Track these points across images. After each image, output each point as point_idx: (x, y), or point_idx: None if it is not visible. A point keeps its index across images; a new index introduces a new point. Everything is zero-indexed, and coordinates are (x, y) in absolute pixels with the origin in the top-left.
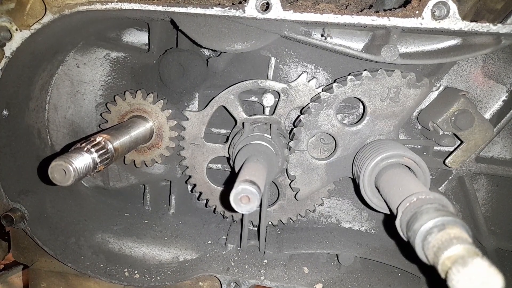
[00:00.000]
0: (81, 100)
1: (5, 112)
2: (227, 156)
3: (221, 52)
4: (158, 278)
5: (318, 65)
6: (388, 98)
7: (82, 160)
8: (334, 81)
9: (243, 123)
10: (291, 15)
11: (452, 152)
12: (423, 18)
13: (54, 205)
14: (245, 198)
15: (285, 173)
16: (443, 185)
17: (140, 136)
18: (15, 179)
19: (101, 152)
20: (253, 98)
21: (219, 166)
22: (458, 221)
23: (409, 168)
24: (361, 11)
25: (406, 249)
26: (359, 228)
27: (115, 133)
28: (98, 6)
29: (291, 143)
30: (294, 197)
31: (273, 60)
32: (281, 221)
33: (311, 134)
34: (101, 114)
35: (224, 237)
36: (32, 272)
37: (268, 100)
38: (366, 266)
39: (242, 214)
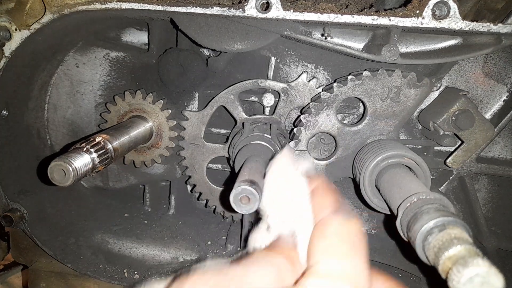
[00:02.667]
0: (80, 100)
1: (4, 112)
2: (227, 156)
3: (221, 52)
4: (158, 278)
5: (318, 65)
6: (388, 98)
7: (82, 160)
8: (335, 81)
9: (243, 123)
10: (291, 15)
11: (452, 152)
12: (423, 18)
13: (53, 205)
14: (245, 199)
15: None
16: (444, 185)
17: (140, 136)
18: (14, 179)
19: (100, 152)
20: (253, 98)
21: (219, 166)
22: (458, 221)
23: (409, 168)
24: (361, 10)
25: (407, 249)
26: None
27: (114, 133)
28: (98, 6)
29: (291, 143)
30: None
31: (273, 59)
32: None
33: (311, 134)
34: (100, 114)
35: (224, 237)
36: (32, 272)
37: (268, 100)
38: None
39: (242, 215)
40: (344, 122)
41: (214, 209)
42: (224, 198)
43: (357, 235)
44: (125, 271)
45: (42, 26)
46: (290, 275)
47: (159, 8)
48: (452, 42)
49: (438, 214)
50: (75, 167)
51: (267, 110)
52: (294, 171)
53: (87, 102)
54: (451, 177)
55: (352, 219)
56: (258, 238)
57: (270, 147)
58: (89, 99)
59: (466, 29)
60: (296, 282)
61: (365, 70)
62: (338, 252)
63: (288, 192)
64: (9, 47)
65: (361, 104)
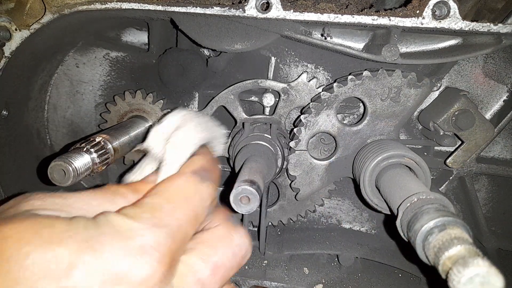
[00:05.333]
0: (80, 100)
1: (4, 112)
2: (227, 156)
3: (221, 52)
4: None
5: (318, 65)
6: (388, 98)
7: (82, 160)
8: (335, 81)
9: (243, 123)
10: (291, 15)
11: (453, 152)
12: (423, 18)
13: None
14: (245, 199)
15: (285, 173)
16: (444, 185)
17: (140, 136)
18: (14, 180)
19: (100, 152)
20: (253, 98)
21: (219, 166)
22: (459, 221)
23: (410, 168)
24: (361, 10)
25: (407, 249)
26: (359, 229)
27: (114, 133)
28: (98, 6)
29: (291, 143)
30: (295, 197)
31: (273, 59)
32: (281, 221)
33: (311, 134)
34: (100, 114)
35: None
36: None
37: (268, 100)
38: (366, 266)
39: (242, 215)
40: (344, 122)
41: None
42: (224, 198)
43: (195, 196)
44: None
45: (42, 26)
46: (121, 204)
47: (159, 8)
48: (452, 42)
49: (438, 214)
50: (75, 167)
51: (267, 110)
52: (200, 132)
53: (87, 102)
54: (451, 177)
55: (203, 183)
56: (135, 172)
57: (270, 147)
58: (89, 99)
59: (466, 29)
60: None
61: (365, 70)
62: (164, 199)
63: (179, 143)
64: (9, 47)
65: (361, 104)
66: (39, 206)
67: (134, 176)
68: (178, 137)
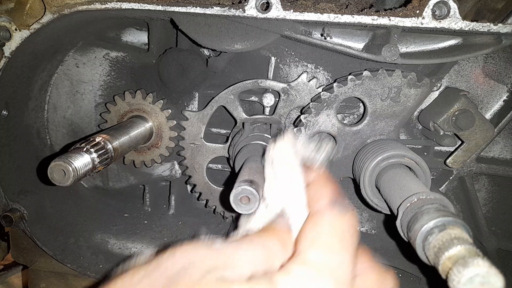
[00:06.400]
0: (80, 100)
1: (4, 112)
2: (227, 156)
3: (221, 52)
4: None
5: (318, 65)
6: (388, 98)
7: (82, 160)
8: (335, 81)
9: (243, 123)
10: (291, 15)
11: (453, 152)
12: (423, 18)
13: (53, 205)
14: (245, 199)
15: None
16: (444, 185)
17: (140, 136)
18: (14, 179)
19: (100, 152)
20: (253, 98)
21: (219, 166)
22: (459, 221)
23: (410, 168)
24: (361, 10)
25: (407, 249)
26: (359, 229)
27: (114, 133)
28: (98, 6)
29: None
30: None
31: (273, 59)
32: None
33: (311, 134)
34: (100, 114)
35: (224, 238)
36: (32, 272)
37: (268, 100)
38: None
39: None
40: (344, 122)
41: (214, 209)
42: (224, 198)
43: (349, 230)
44: None
45: (42, 26)
46: (280, 258)
47: (159, 8)
48: (452, 42)
49: (438, 214)
50: (75, 167)
51: (267, 110)
52: (294, 156)
53: (87, 102)
54: (451, 177)
55: (347, 213)
56: (255, 219)
57: None
58: (89, 99)
59: (466, 29)
60: (282, 266)
61: (365, 70)
62: (327, 244)
63: (287, 177)
64: (9, 47)
65: (361, 104)
66: (209, 267)
67: (253, 224)
68: (288, 178)
